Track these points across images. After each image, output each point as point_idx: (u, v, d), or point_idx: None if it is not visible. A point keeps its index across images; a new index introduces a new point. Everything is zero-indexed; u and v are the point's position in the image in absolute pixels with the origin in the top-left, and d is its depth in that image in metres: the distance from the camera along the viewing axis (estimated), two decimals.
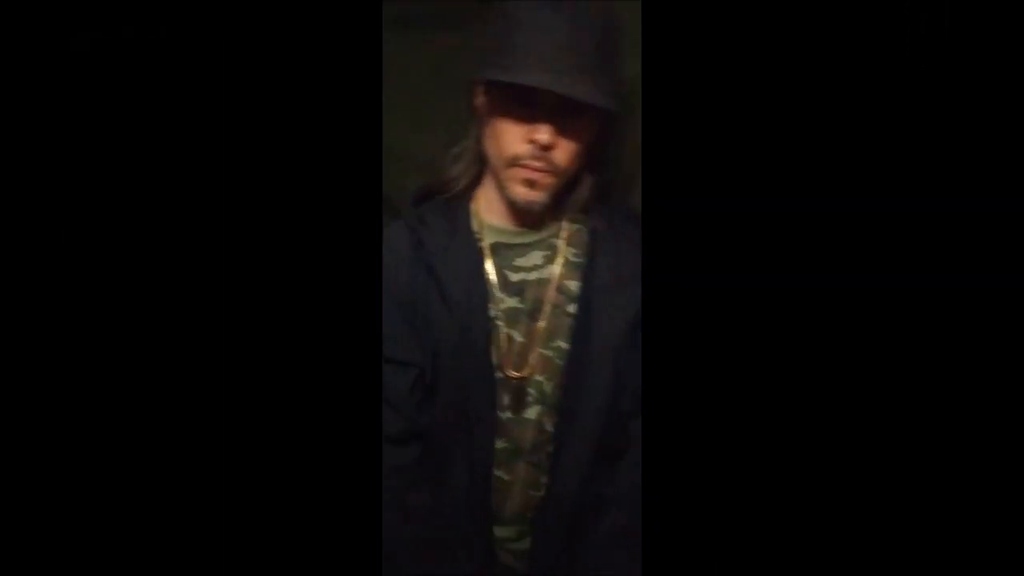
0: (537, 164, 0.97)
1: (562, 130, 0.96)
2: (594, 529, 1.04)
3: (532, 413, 1.02)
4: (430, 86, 1.37)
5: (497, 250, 1.04)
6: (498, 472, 1.03)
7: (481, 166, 1.04)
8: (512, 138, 0.97)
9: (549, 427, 1.03)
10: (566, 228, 1.06)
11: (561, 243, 1.05)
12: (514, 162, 0.98)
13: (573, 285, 1.03)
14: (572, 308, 1.03)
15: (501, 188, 1.01)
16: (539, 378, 1.03)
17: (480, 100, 1.01)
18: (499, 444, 1.02)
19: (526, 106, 0.95)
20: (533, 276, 1.04)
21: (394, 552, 0.98)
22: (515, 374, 1.01)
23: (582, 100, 0.91)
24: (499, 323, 1.02)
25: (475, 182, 1.06)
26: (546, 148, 0.96)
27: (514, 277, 1.04)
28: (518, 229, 1.05)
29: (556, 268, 1.04)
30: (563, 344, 1.02)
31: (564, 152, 0.97)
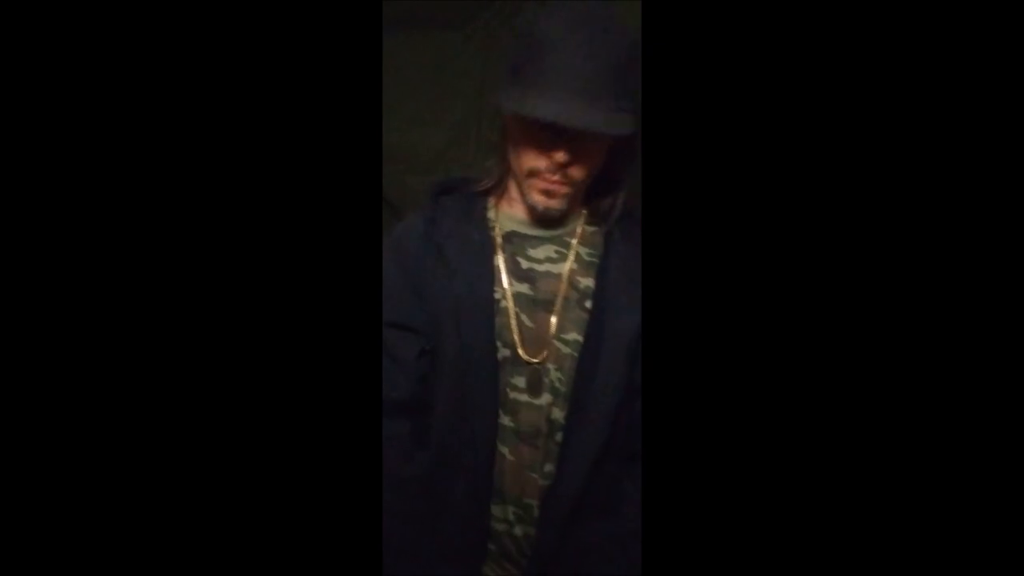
0: (554, 177, 1.05)
1: (578, 150, 1.03)
2: (601, 528, 1.06)
3: (544, 400, 1.06)
4: (430, 86, 1.37)
5: (510, 238, 1.11)
6: (501, 449, 1.07)
7: (505, 172, 1.13)
8: (532, 155, 1.05)
9: (559, 416, 1.06)
10: (581, 228, 1.12)
11: (574, 241, 1.11)
12: (533, 174, 1.06)
13: (585, 282, 1.09)
14: (586, 303, 1.08)
15: (522, 194, 1.09)
16: (551, 366, 1.07)
17: (506, 120, 1.10)
18: (505, 422, 1.07)
19: (545, 130, 1.01)
20: (544, 268, 1.10)
21: (386, 527, 0.98)
22: (530, 359, 1.06)
23: (595, 131, 0.99)
24: (506, 304, 1.07)
25: (498, 184, 1.13)
26: (563, 166, 1.04)
27: (525, 265, 1.10)
28: (534, 224, 1.12)
29: (568, 264, 1.10)
30: (577, 337, 1.07)
31: (580, 169, 1.05)
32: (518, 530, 1.07)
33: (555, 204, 1.06)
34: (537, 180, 1.05)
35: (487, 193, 1.13)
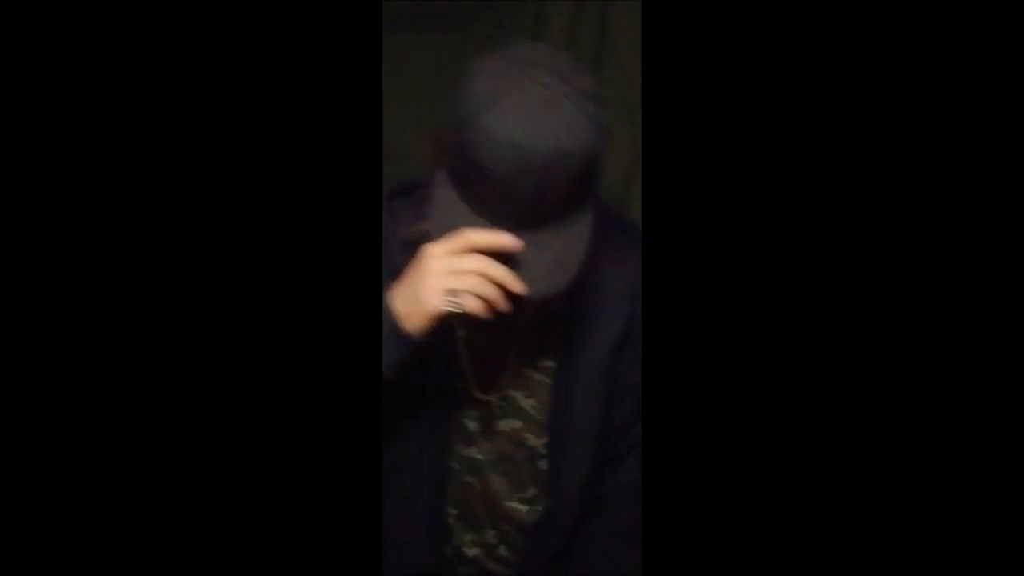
0: None
1: None
2: (592, 528, 1.05)
3: (505, 426, 1.02)
4: (430, 86, 1.37)
5: None
6: (468, 479, 1.03)
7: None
8: None
9: (533, 442, 1.02)
10: None
11: None
12: None
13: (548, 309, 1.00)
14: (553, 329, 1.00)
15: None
16: (515, 393, 1.02)
17: None
18: (469, 452, 1.02)
19: None
20: None
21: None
22: (482, 396, 1.00)
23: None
24: (460, 334, 0.99)
25: None
26: None
27: None
28: None
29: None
30: (549, 363, 1.01)
31: None
32: (503, 550, 1.05)
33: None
34: None
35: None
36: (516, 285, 0.84)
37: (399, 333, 0.87)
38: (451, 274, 0.84)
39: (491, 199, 0.83)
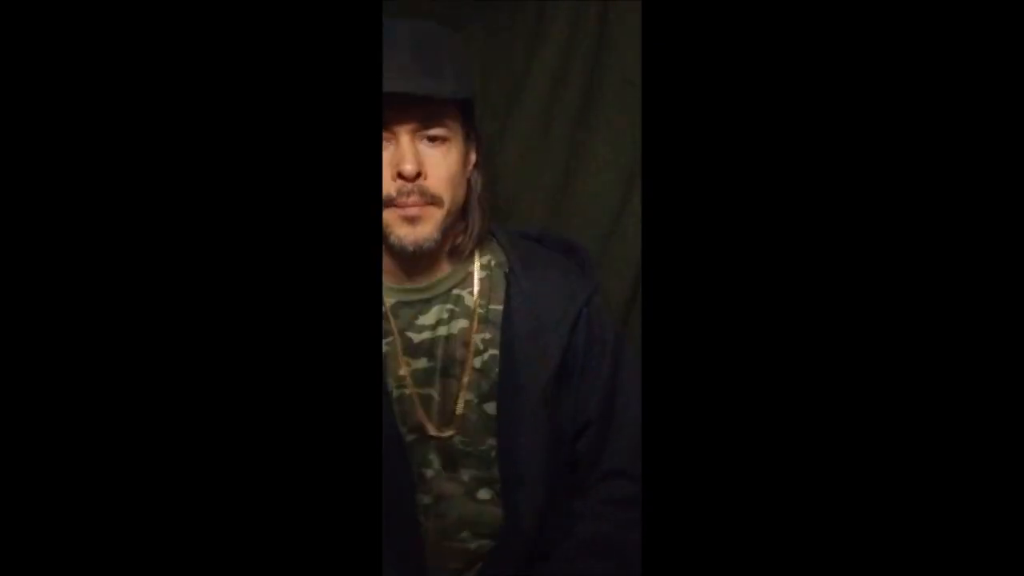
0: (412, 199, 0.92)
1: (428, 155, 0.93)
2: (563, 544, 1.03)
3: (466, 476, 1.02)
4: None
5: (396, 311, 1.00)
6: (425, 524, 1.02)
7: None
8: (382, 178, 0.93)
9: (485, 494, 1.02)
10: (474, 273, 1.02)
11: (466, 294, 1.01)
12: (389, 203, 0.93)
13: (482, 340, 1.00)
14: (487, 365, 1.00)
15: (386, 238, 0.95)
16: (465, 439, 1.01)
17: None
18: (426, 500, 1.02)
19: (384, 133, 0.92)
20: (440, 332, 1.00)
21: None
22: (439, 433, 1.00)
23: (436, 94, 0.89)
24: (406, 386, 0.99)
25: None
26: (415, 178, 0.91)
27: (417, 338, 1.00)
28: (416, 284, 1.01)
29: (463, 323, 1.00)
30: (487, 408, 1.01)
31: (437, 180, 0.93)
32: None
33: (424, 233, 0.93)
34: (395, 210, 0.93)
35: None
36: None
37: None
38: None
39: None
